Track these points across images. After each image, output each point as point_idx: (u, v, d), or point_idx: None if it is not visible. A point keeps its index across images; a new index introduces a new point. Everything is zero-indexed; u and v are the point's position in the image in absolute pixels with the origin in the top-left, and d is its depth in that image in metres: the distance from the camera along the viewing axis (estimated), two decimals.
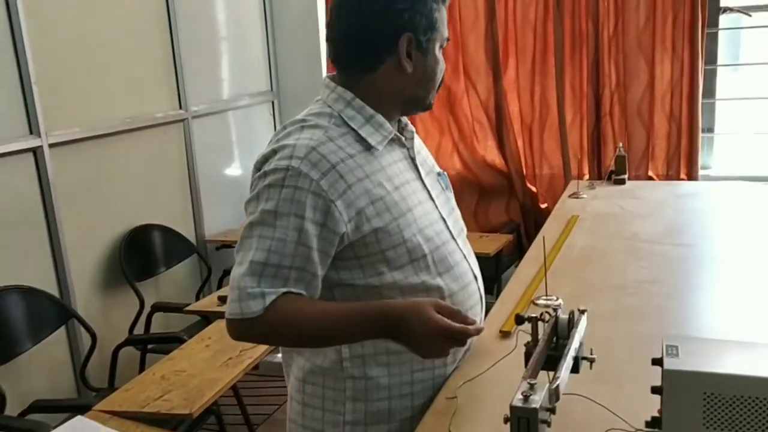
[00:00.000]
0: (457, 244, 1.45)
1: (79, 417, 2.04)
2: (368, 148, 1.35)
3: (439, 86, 1.44)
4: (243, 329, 1.28)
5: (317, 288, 1.31)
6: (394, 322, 1.24)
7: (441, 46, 1.40)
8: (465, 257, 1.46)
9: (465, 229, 1.54)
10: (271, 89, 4.33)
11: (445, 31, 1.40)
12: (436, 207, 1.45)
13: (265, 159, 1.32)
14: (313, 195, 1.25)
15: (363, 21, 1.33)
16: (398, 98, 1.39)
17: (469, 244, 1.54)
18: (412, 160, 1.45)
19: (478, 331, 1.24)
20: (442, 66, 1.41)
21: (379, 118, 1.37)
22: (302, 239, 1.25)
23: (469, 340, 1.44)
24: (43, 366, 2.74)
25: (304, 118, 1.37)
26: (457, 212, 1.54)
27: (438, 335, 1.20)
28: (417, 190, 1.41)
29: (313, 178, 1.25)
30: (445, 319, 1.20)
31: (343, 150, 1.31)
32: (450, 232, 1.45)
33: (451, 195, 1.55)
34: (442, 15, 1.39)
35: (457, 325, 1.21)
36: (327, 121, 1.34)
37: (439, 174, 1.53)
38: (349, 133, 1.34)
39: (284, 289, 1.25)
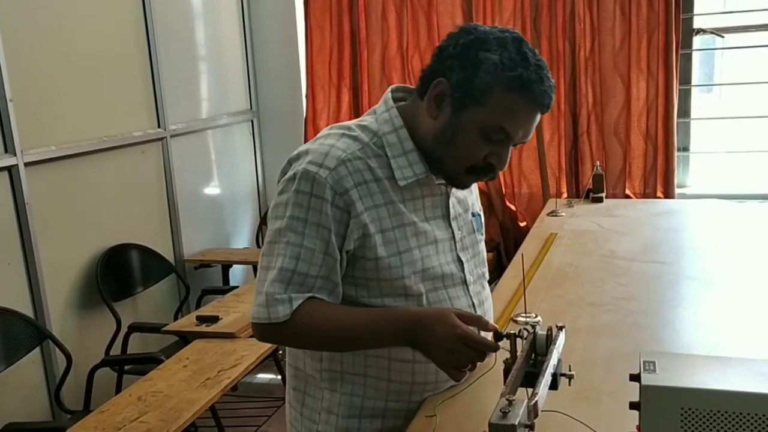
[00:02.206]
0: (467, 290, 1.42)
1: None
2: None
3: (477, 172, 1.32)
4: (269, 332, 1.31)
5: (339, 296, 1.32)
6: (417, 325, 1.24)
7: (485, 133, 1.26)
8: (472, 304, 1.42)
9: (486, 274, 1.52)
10: (251, 108, 4.33)
11: (505, 122, 1.25)
12: (455, 248, 1.41)
13: (297, 156, 1.33)
14: (336, 208, 1.27)
15: (436, 49, 1.33)
16: (425, 142, 1.33)
17: (488, 289, 1.52)
18: (447, 197, 1.41)
19: (496, 348, 1.20)
20: (471, 145, 1.27)
21: (417, 156, 1.33)
22: (329, 250, 1.28)
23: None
24: (17, 388, 2.69)
25: (350, 125, 1.37)
26: (482, 256, 1.50)
27: (458, 341, 1.19)
28: (438, 229, 1.38)
29: (336, 192, 1.27)
30: (467, 326, 1.20)
31: (372, 171, 1.31)
32: (464, 275, 1.42)
33: (481, 237, 1.50)
34: (507, 104, 1.24)
35: (477, 335, 1.20)
36: (368, 138, 1.34)
37: (474, 215, 1.49)
38: (384, 157, 1.33)
39: (309, 294, 1.28)
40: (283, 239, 1.28)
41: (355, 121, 1.40)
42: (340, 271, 1.31)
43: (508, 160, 1.32)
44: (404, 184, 1.32)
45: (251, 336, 2.79)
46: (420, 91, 1.33)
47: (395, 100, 1.38)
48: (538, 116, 1.29)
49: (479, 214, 1.52)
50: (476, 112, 1.25)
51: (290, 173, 1.31)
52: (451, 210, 1.42)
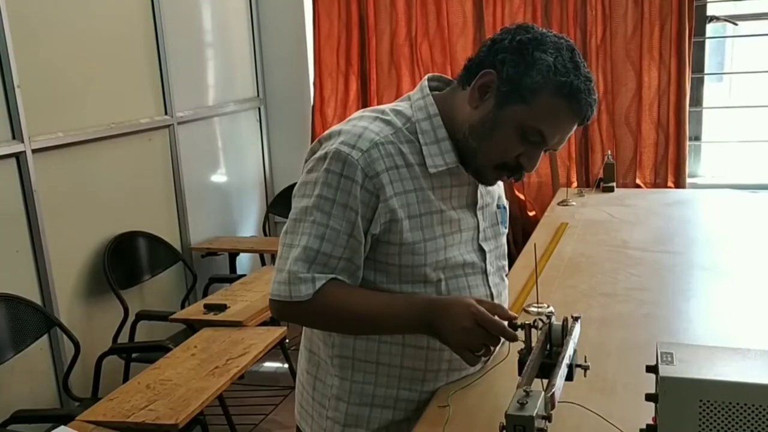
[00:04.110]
0: (486, 280, 1.42)
1: (62, 427, 2.02)
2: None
3: (506, 169, 1.32)
4: (288, 311, 1.31)
5: (358, 279, 1.32)
6: (434, 307, 1.25)
7: (523, 132, 1.26)
8: (490, 294, 1.42)
9: (506, 268, 1.52)
10: (258, 95, 4.31)
11: (545, 125, 1.25)
12: (477, 238, 1.41)
13: (329, 135, 1.33)
14: (365, 191, 1.27)
15: (489, 41, 1.32)
16: (461, 132, 1.32)
17: (506, 282, 1.52)
18: (475, 186, 1.39)
19: (513, 337, 1.20)
20: (506, 141, 1.27)
21: (449, 144, 1.32)
22: (354, 232, 1.28)
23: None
24: (25, 375, 2.69)
25: (384, 109, 1.36)
26: (503, 249, 1.50)
27: (474, 322, 1.19)
28: (464, 217, 1.38)
29: (367, 174, 1.26)
30: (483, 309, 1.20)
31: (403, 156, 1.30)
32: (484, 265, 1.41)
33: (505, 230, 1.50)
34: (551, 108, 1.24)
35: (493, 317, 1.20)
36: (402, 123, 1.33)
37: (499, 207, 1.48)
38: (416, 143, 1.32)
39: (332, 275, 1.28)
40: (309, 218, 1.28)
41: (389, 105, 1.39)
42: (363, 254, 1.31)
43: (538, 163, 1.32)
44: (434, 172, 1.32)
45: (259, 325, 2.79)
46: (463, 79, 1.32)
47: (430, 89, 1.37)
48: (575, 127, 1.29)
49: (504, 207, 1.51)
50: (519, 109, 1.25)
51: (321, 152, 1.30)
52: (479, 200, 1.41)
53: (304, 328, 1.48)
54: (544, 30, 1.29)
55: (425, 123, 1.33)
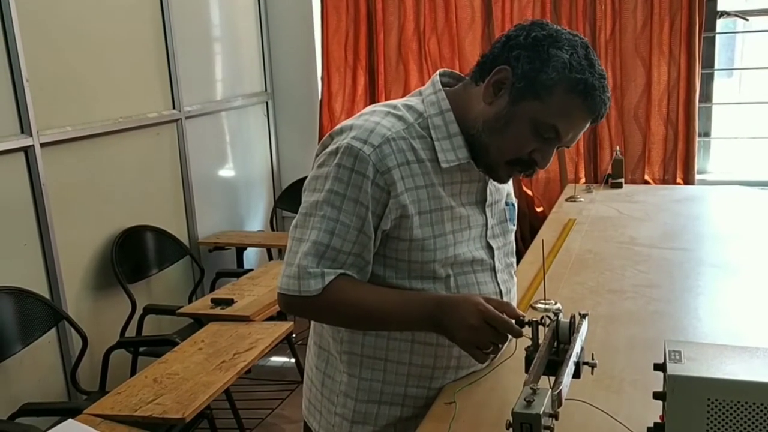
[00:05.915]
0: (495, 276, 1.42)
1: (69, 420, 2.03)
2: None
3: (519, 165, 1.31)
4: (297, 305, 1.31)
5: (367, 274, 1.32)
6: (442, 305, 1.25)
7: (536, 129, 1.25)
8: (499, 291, 1.42)
9: (514, 265, 1.52)
10: (266, 90, 4.31)
11: (559, 122, 1.25)
12: (486, 235, 1.41)
13: (340, 130, 1.33)
14: (376, 187, 1.27)
15: (503, 37, 1.32)
16: (474, 128, 1.31)
17: (515, 279, 1.52)
18: (485, 183, 1.39)
19: (519, 333, 1.20)
20: (520, 137, 1.27)
21: (461, 140, 1.32)
22: (364, 228, 1.28)
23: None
24: (33, 368, 2.70)
25: (396, 104, 1.36)
26: (512, 246, 1.50)
27: (481, 319, 1.19)
28: (473, 214, 1.38)
29: (378, 170, 1.26)
30: (490, 307, 1.20)
31: (414, 152, 1.30)
32: (493, 262, 1.41)
33: (513, 227, 1.50)
34: (566, 104, 1.24)
35: (500, 315, 1.20)
36: (413, 118, 1.33)
37: (507, 204, 1.49)
38: (428, 138, 1.32)
39: (341, 271, 1.28)
40: (319, 212, 1.28)
41: (400, 100, 1.39)
42: (373, 249, 1.31)
43: (551, 160, 1.31)
44: (446, 167, 1.31)
45: (266, 319, 2.79)
46: (476, 75, 1.32)
47: (441, 84, 1.37)
48: (588, 124, 1.29)
49: (513, 204, 1.51)
50: (533, 105, 1.25)
51: (332, 147, 1.30)
52: (488, 197, 1.41)
53: (313, 323, 1.48)
54: (559, 27, 1.29)
55: (437, 118, 1.33)
